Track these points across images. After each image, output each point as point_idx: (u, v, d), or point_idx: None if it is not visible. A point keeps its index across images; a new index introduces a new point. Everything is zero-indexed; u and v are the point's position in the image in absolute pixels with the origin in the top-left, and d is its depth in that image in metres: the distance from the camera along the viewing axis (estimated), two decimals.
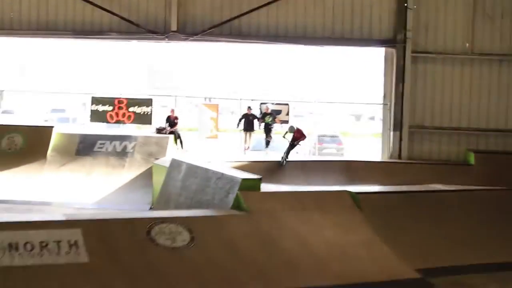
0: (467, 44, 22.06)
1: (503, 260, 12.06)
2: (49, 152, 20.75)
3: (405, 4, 21.79)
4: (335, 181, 18.17)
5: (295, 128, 20.41)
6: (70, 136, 21.70)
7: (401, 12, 21.89)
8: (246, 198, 11.38)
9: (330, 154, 30.64)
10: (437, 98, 22.20)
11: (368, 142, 42.14)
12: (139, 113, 23.21)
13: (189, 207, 13.02)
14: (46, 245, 9.07)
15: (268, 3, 21.73)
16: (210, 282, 9.51)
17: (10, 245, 8.89)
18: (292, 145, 20.09)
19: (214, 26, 21.83)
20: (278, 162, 19.73)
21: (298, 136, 20.11)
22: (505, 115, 22.19)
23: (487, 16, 22.03)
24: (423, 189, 14.15)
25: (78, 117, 42.39)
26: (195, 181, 13.73)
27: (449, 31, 22.12)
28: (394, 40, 21.99)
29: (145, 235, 9.87)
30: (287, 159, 19.87)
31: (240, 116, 23.68)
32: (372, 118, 65.70)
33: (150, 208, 17.00)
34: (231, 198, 11.62)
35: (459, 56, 22.10)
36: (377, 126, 45.38)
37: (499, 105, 22.20)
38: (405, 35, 21.79)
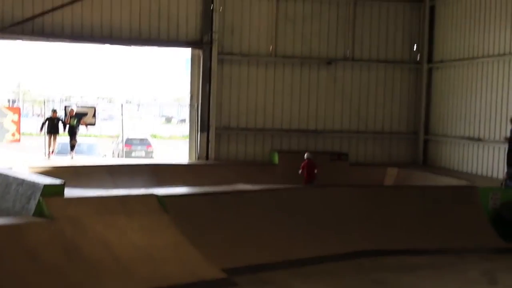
0: (271, 47, 22.82)
1: (304, 256, 12.61)
2: None
3: (211, 7, 22.10)
4: (144, 184, 17.93)
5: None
6: None
7: (208, 14, 22.14)
8: (49, 204, 10.95)
9: (139, 157, 30.39)
10: (242, 99, 22.77)
11: (179, 144, 42.50)
12: None
13: None
14: None
15: (73, 2, 21.03)
16: None
17: None
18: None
19: (15, 24, 20.82)
20: None
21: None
22: (306, 115, 23.16)
23: (289, 21, 22.89)
24: (229, 190, 14.37)
25: None
26: None
27: (254, 34, 22.76)
28: (200, 42, 22.21)
29: None
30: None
31: (43, 120, 22.76)
32: (184, 121, 66.30)
33: None
34: (33, 204, 11.13)
35: (263, 58, 22.81)
36: (187, 128, 45.86)
37: (301, 106, 23.15)
38: (211, 36, 22.08)
